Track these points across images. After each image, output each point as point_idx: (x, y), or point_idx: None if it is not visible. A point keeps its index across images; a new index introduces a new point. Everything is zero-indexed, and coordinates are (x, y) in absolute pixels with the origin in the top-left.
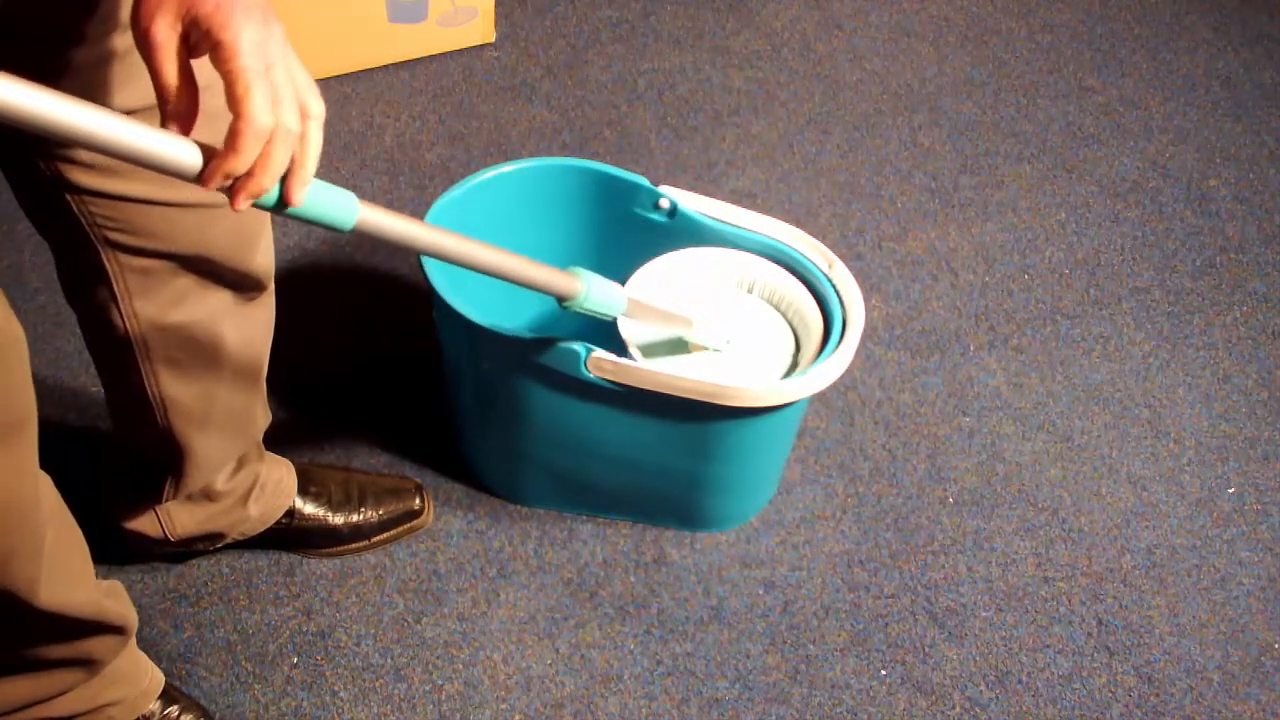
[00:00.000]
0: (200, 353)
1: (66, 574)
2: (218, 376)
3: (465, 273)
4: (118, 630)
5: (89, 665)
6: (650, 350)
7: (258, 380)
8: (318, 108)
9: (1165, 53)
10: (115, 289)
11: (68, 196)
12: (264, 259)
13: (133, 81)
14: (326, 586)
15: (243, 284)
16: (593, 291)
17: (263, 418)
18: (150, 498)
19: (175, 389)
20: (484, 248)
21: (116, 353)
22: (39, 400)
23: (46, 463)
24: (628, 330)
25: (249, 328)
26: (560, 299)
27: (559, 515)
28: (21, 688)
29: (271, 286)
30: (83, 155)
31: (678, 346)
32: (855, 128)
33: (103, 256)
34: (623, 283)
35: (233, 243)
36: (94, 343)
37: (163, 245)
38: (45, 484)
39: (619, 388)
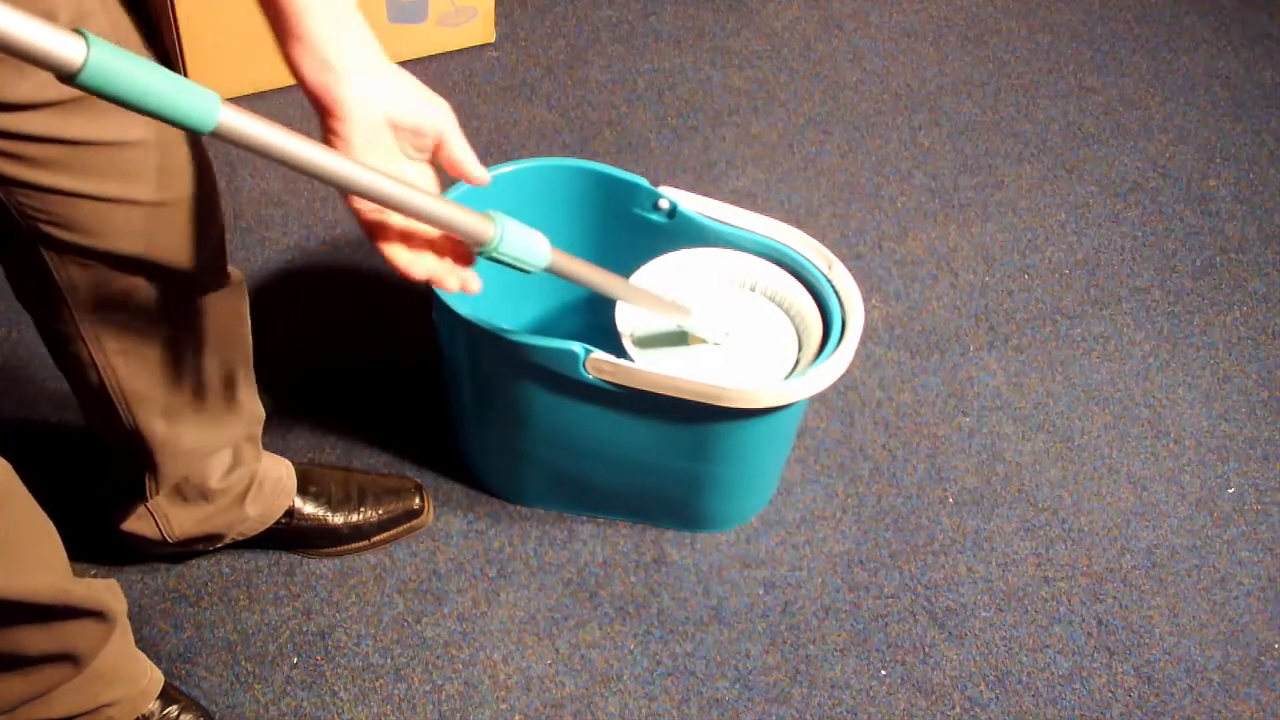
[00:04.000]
0: (155, 345)
1: (23, 559)
2: (178, 367)
3: None
4: (96, 615)
5: (73, 659)
6: (647, 342)
7: (233, 371)
8: None
9: (1165, 53)
10: (60, 284)
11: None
12: (213, 255)
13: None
14: (326, 586)
15: (193, 279)
16: (505, 238)
17: (250, 412)
18: (138, 495)
19: (134, 381)
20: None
21: (72, 350)
22: (39, 401)
23: (45, 463)
24: (624, 323)
25: (210, 320)
26: (471, 245)
27: (559, 515)
28: (10, 686)
29: (238, 278)
30: (6, 145)
31: (676, 339)
32: (855, 128)
33: (42, 253)
34: None
35: (174, 240)
36: (50, 342)
37: (99, 243)
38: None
39: (618, 389)
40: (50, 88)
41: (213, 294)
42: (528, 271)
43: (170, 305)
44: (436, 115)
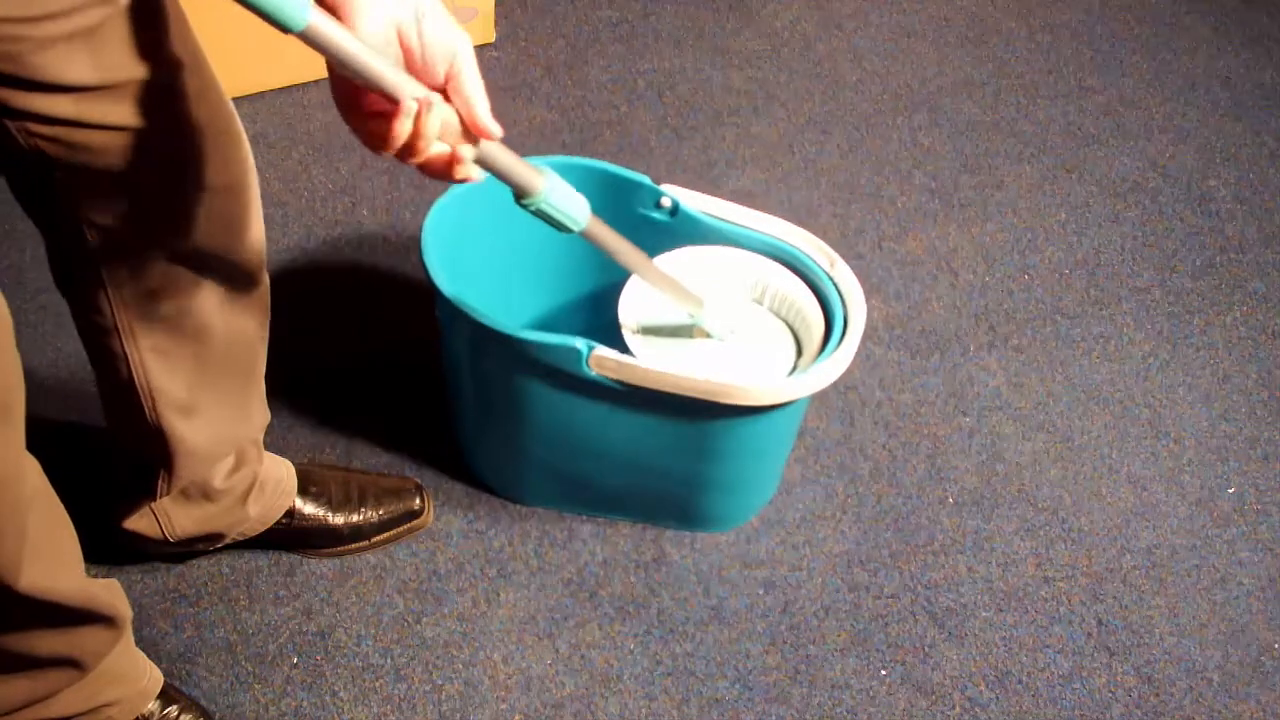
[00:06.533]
0: (188, 344)
1: (51, 558)
2: (206, 368)
3: (467, 271)
4: (107, 620)
5: (79, 664)
6: (649, 333)
7: (250, 374)
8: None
9: (1165, 53)
10: (104, 275)
11: (54, 175)
12: (254, 250)
13: (97, 56)
14: (326, 586)
15: (232, 276)
16: (552, 194)
17: (259, 415)
18: (145, 494)
19: (163, 379)
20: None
21: (106, 343)
22: (40, 399)
23: (46, 461)
24: (626, 315)
25: (240, 321)
26: (518, 194)
27: (559, 515)
28: (14, 689)
29: (266, 281)
30: (60, 132)
31: (679, 332)
32: (855, 128)
33: (89, 239)
34: (624, 281)
35: (219, 229)
36: (84, 331)
37: (145, 229)
38: (31, 465)
39: (620, 386)
40: (104, 69)
41: (248, 294)
42: (565, 230)
43: (207, 301)
44: (449, 39)
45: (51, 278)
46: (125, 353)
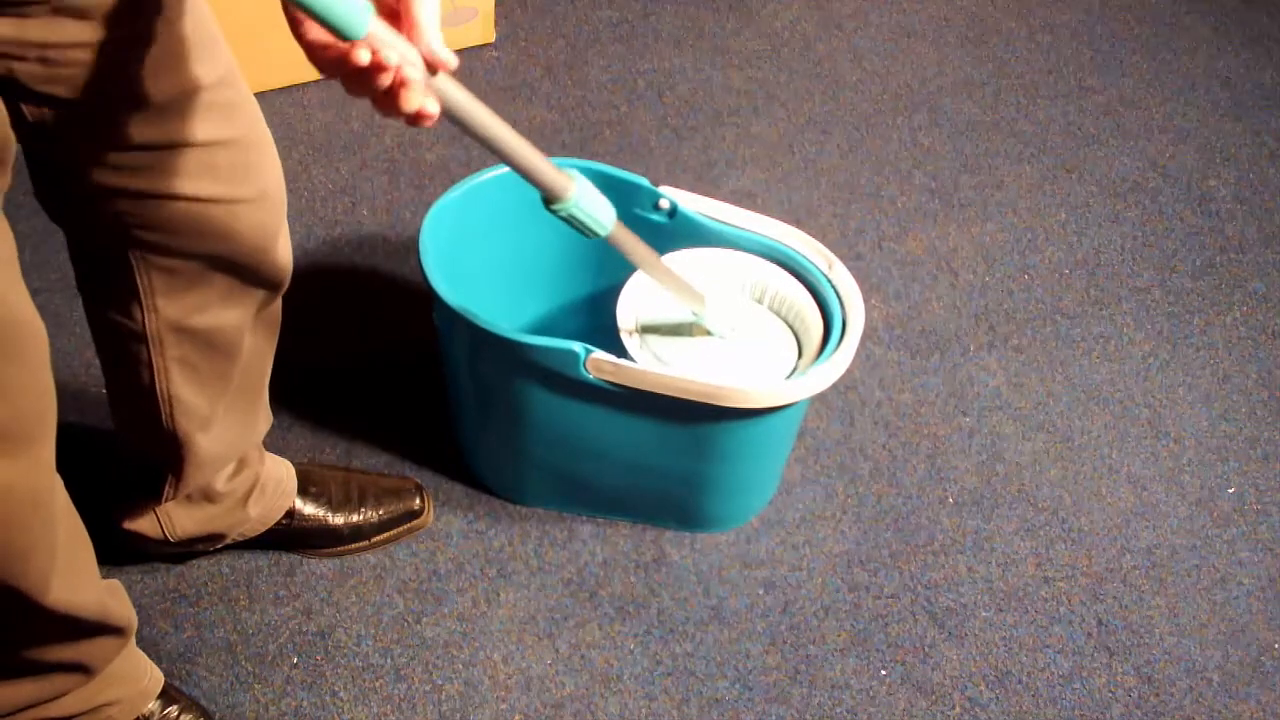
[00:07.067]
0: (216, 357)
1: (75, 573)
2: (228, 383)
3: (465, 273)
4: (118, 631)
5: (88, 670)
6: (649, 332)
7: (263, 382)
8: None
9: (1165, 53)
10: (139, 285)
11: (96, 192)
12: (285, 253)
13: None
14: (326, 586)
15: (269, 282)
16: (582, 199)
17: (264, 420)
18: (150, 497)
19: (185, 389)
20: (501, 124)
21: (130, 347)
22: None
23: None
24: (625, 317)
25: (261, 336)
26: (547, 199)
27: (559, 515)
28: (21, 691)
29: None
30: (109, 156)
31: (679, 330)
32: (855, 128)
33: (129, 253)
34: (623, 283)
35: (257, 237)
36: (105, 332)
37: (189, 244)
38: (58, 482)
39: (618, 389)
40: (157, 91)
41: (271, 307)
42: (592, 235)
43: (243, 317)
44: None
45: (50, 279)
46: (150, 359)
